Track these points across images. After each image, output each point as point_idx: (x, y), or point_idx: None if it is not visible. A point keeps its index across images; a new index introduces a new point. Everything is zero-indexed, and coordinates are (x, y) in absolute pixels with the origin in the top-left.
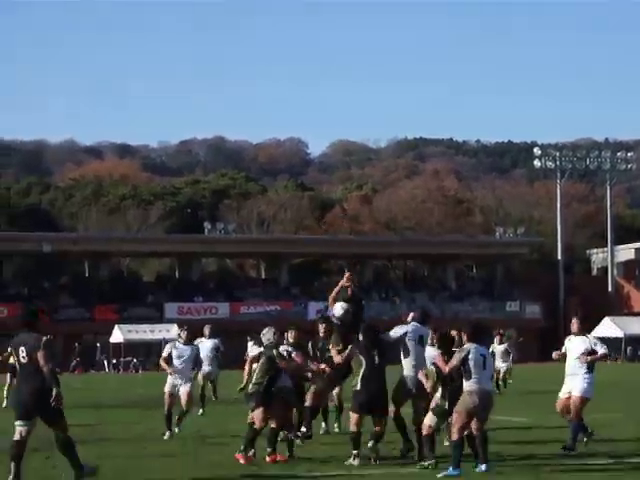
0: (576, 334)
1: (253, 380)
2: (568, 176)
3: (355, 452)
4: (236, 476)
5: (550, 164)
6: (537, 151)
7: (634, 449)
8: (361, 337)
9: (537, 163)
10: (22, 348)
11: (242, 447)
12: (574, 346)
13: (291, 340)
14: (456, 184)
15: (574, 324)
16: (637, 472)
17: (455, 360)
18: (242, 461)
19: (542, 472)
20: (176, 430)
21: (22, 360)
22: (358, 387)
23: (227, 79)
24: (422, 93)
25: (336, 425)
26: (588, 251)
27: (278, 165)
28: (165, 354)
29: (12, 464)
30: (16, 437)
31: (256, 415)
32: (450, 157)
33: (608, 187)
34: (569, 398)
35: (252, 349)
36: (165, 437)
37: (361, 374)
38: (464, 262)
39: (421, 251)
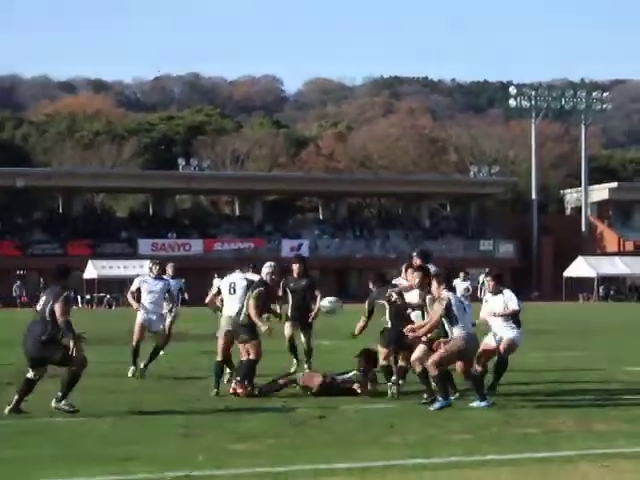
0: (493, 293)
1: (244, 312)
2: (543, 116)
3: (389, 383)
4: (212, 409)
5: (525, 103)
6: (512, 90)
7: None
8: (372, 286)
9: (512, 102)
10: (43, 298)
11: (238, 379)
12: (492, 305)
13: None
14: (431, 123)
15: (490, 283)
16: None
17: (440, 310)
18: (240, 390)
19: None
20: (141, 365)
21: (36, 309)
22: (388, 325)
23: (202, 15)
24: (398, 31)
25: (307, 366)
26: (562, 191)
27: (253, 102)
28: (133, 288)
29: (16, 396)
30: (28, 375)
31: (253, 347)
32: (425, 96)
33: (583, 127)
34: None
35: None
36: (129, 373)
37: (387, 314)
38: (438, 201)
39: (395, 189)
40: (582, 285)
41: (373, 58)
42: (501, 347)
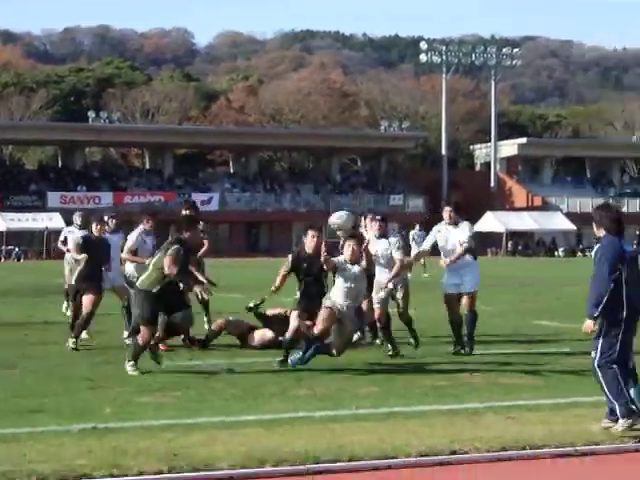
0: (450, 224)
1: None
2: (454, 71)
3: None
4: (119, 361)
5: (436, 59)
6: (423, 45)
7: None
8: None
9: (423, 57)
10: None
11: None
12: (453, 236)
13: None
14: (342, 77)
15: (446, 213)
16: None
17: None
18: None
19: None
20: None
21: None
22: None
23: None
24: None
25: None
26: (472, 146)
27: (164, 55)
28: (61, 237)
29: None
30: None
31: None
32: (337, 50)
33: (493, 83)
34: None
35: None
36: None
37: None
38: (349, 155)
39: (306, 143)
40: (491, 240)
41: (285, 12)
42: (467, 301)
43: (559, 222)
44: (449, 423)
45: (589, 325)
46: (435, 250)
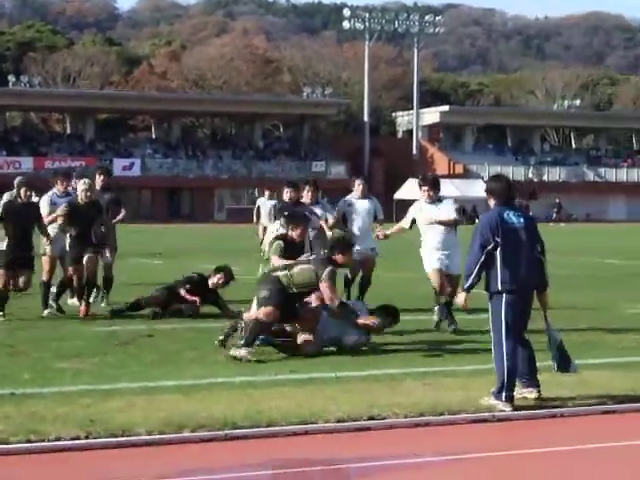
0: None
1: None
2: (377, 38)
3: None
4: (37, 327)
5: (359, 25)
6: (347, 12)
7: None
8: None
9: (346, 24)
10: None
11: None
12: (436, 213)
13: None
14: (265, 43)
15: (428, 193)
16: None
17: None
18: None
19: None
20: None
21: None
22: None
23: None
24: None
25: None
26: (394, 114)
27: (85, 19)
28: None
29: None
30: None
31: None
32: (260, 16)
33: (415, 50)
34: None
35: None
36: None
37: None
38: (271, 121)
39: (229, 109)
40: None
41: None
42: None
43: (480, 190)
44: (367, 389)
45: (461, 297)
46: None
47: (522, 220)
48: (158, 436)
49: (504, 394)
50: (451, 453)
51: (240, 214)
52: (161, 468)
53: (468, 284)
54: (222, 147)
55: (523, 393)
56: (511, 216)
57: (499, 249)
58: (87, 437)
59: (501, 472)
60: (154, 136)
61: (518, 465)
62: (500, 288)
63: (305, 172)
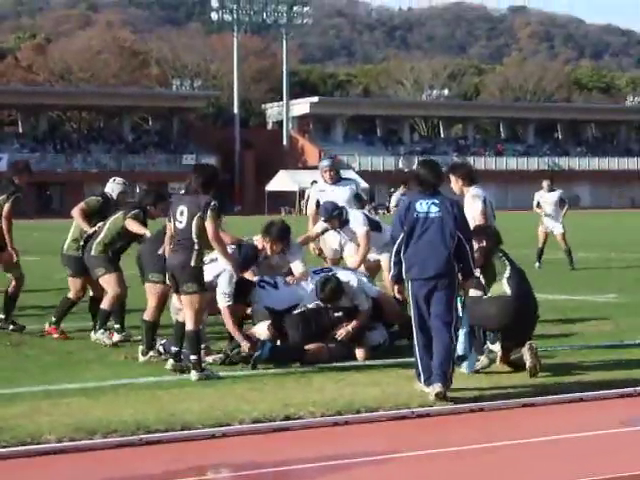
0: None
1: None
2: (244, 30)
3: None
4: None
5: (227, 17)
6: (215, 3)
7: None
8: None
9: (214, 15)
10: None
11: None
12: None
13: None
14: (131, 36)
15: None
16: None
17: None
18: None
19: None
20: None
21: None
22: None
23: None
24: None
25: None
26: (264, 105)
27: None
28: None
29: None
30: None
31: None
32: (123, 9)
33: (284, 42)
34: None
35: None
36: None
37: None
38: (140, 114)
39: (97, 103)
40: (284, 199)
41: None
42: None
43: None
44: (278, 386)
45: (391, 288)
46: None
47: (437, 209)
48: (70, 443)
49: (422, 378)
50: (374, 454)
51: None
52: (76, 477)
53: (391, 274)
54: (91, 141)
55: (423, 388)
56: (423, 205)
57: (405, 238)
58: None
59: (425, 472)
60: (21, 130)
61: (442, 465)
62: (405, 277)
63: (175, 166)
